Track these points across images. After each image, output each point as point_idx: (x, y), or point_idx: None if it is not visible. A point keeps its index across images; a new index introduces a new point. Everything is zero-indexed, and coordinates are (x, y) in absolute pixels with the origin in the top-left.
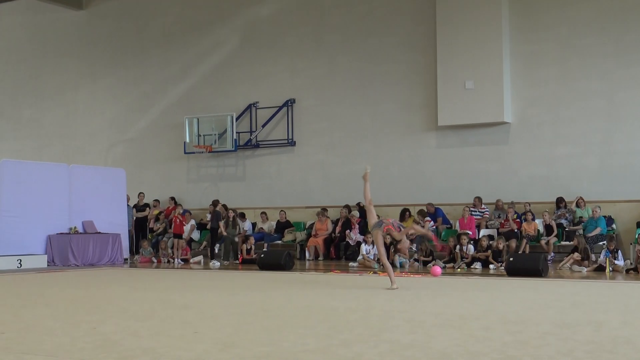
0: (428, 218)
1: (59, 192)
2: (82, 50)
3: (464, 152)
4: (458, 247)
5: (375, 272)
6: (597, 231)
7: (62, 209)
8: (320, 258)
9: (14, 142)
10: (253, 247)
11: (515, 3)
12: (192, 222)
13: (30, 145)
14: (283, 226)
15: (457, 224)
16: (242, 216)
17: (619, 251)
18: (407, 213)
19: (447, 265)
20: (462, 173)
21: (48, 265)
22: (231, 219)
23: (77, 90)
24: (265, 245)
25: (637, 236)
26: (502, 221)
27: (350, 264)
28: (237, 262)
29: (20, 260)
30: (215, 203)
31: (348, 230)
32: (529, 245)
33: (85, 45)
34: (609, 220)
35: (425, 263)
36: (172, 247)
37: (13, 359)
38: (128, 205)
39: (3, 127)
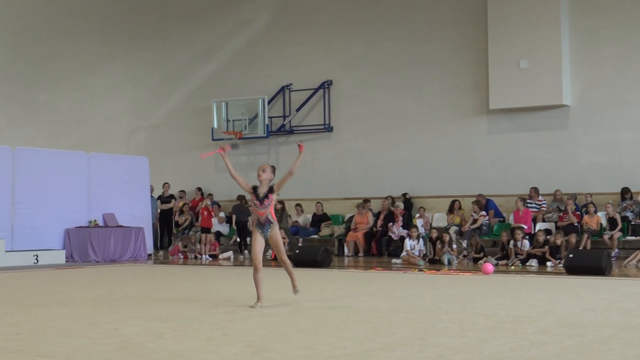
0: (483, 213)
1: (77, 182)
2: (99, 30)
3: (518, 138)
4: (512, 242)
5: (420, 270)
6: None
7: (81, 201)
8: (360, 254)
9: (28, 128)
10: (287, 242)
11: None
12: (222, 214)
13: (46, 132)
14: (320, 219)
15: (511, 217)
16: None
17: None
18: (457, 204)
19: (500, 262)
20: (516, 161)
21: (66, 261)
22: (279, 212)
23: (94, 73)
24: (300, 240)
25: None
26: (561, 214)
27: (393, 260)
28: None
29: (37, 256)
30: (240, 198)
31: (391, 224)
32: (590, 240)
33: (102, 24)
34: None
35: (475, 260)
36: (199, 242)
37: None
38: (152, 196)
39: (17, 113)
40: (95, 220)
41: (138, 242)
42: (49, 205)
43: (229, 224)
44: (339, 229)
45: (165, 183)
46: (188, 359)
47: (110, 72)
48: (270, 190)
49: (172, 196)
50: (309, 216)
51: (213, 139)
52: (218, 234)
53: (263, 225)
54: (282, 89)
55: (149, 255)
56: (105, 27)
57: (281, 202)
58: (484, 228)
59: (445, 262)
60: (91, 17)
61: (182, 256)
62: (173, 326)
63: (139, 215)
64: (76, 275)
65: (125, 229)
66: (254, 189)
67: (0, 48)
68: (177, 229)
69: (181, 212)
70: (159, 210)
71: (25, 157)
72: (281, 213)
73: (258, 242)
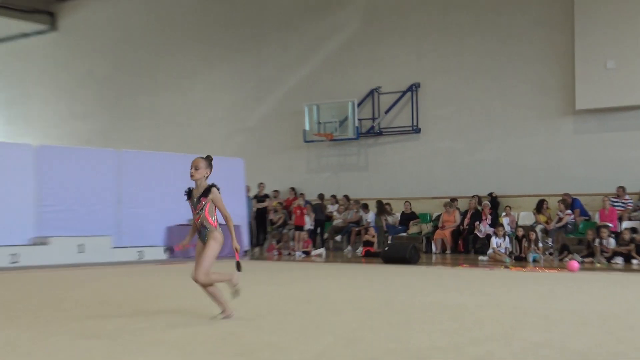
0: (569, 211)
1: (177, 182)
2: (197, 40)
3: (605, 138)
4: (598, 240)
5: (506, 267)
6: None
7: (181, 200)
8: (448, 251)
9: (132, 131)
10: (376, 239)
11: None
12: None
13: (148, 136)
14: (408, 218)
15: (597, 216)
16: (365, 207)
17: None
18: (544, 204)
19: (586, 259)
20: (603, 161)
21: (168, 257)
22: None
23: (193, 81)
24: (390, 237)
25: None
26: None
27: (480, 257)
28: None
29: (141, 252)
30: (320, 197)
31: (477, 222)
32: None
33: (200, 35)
34: None
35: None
36: (292, 239)
37: (130, 350)
38: (247, 196)
39: (121, 116)
40: None
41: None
42: (152, 204)
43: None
44: (426, 227)
45: (261, 183)
46: (283, 350)
47: (208, 79)
48: (206, 192)
49: (266, 195)
50: (398, 215)
51: (305, 141)
52: (310, 232)
53: (200, 232)
54: (372, 92)
55: (245, 251)
56: (202, 38)
57: (380, 200)
58: (570, 226)
59: (531, 259)
60: (189, 28)
61: (277, 253)
62: (268, 319)
63: (235, 213)
64: (177, 270)
65: (222, 227)
66: (188, 193)
67: (107, 59)
68: (272, 227)
69: (275, 210)
70: (254, 209)
71: (129, 159)
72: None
73: (198, 252)
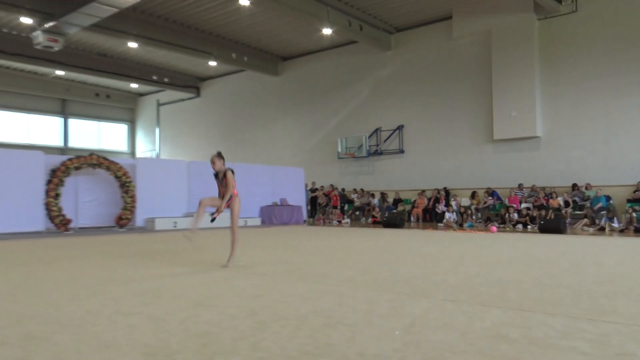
0: (490, 198)
1: (267, 182)
2: (278, 99)
3: (510, 155)
4: (507, 214)
5: (454, 230)
6: None
7: (268, 191)
8: (420, 221)
9: (240, 153)
10: (379, 213)
11: None
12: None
13: (250, 156)
14: (397, 201)
15: (507, 200)
16: (372, 195)
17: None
18: (476, 194)
19: (500, 226)
20: (509, 168)
21: (261, 224)
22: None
23: (275, 122)
24: (387, 212)
25: (626, 208)
26: None
27: (439, 225)
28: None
29: (246, 221)
30: (342, 189)
31: (437, 204)
32: None
33: (279, 96)
34: None
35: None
36: (331, 214)
37: (237, 277)
38: (306, 189)
39: (233, 146)
40: (276, 202)
41: (298, 213)
42: (253, 193)
43: (347, 204)
44: (408, 207)
45: (313, 181)
46: (327, 276)
47: (283, 122)
48: (225, 174)
49: (316, 189)
50: (392, 199)
51: (338, 158)
52: (342, 209)
53: (223, 197)
54: (376, 130)
55: (304, 221)
56: (281, 99)
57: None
58: (491, 206)
59: (467, 226)
60: (273, 93)
61: (322, 222)
62: (321, 258)
63: (298, 199)
64: (267, 231)
65: (291, 206)
66: (215, 175)
67: (226, 112)
68: (319, 207)
69: (321, 197)
70: (309, 197)
71: (240, 169)
72: (382, 197)
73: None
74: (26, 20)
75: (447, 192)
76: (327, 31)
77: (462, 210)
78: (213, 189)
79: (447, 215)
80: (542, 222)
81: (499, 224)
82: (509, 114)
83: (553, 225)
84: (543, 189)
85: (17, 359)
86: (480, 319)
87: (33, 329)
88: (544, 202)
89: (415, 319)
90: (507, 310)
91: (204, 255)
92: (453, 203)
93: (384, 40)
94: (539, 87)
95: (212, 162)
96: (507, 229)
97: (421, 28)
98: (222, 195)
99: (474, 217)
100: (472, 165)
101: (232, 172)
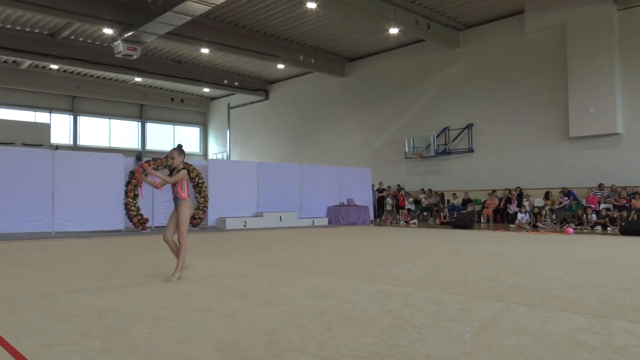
0: (566, 198)
1: (334, 182)
2: (344, 100)
3: (586, 155)
4: (585, 215)
5: (527, 231)
6: None
7: (335, 191)
8: (490, 222)
9: (307, 154)
10: (447, 214)
11: None
12: (410, 199)
13: (316, 156)
14: (466, 202)
15: (584, 201)
16: (441, 195)
17: None
18: (550, 194)
19: (577, 227)
20: (585, 168)
21: (328, 224)
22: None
23: (342, 123)
24: (455, 213)
25: None
26: None
27: (510, 225)
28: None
29: (313, 221)
30: (399, 188)
31: (509, 204)
32: None
33: (345, 97)
34: None
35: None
36: (398, 214)
37: (304, 276)
38: (373, 189)
39: (301, 147)
40: (342, 202)
41: (365, 214)
42: (320, 193)
43: (414, 204)
44: (477, 207)
45: (380, 182)
46: (394, 278)
47: (350, 122)
48: (178, 171)
49: (383, 189)
50: (460, 199)
51: (405, 158)
52: (409, 210)
53: (174, 200)
54: (444, 129)
55: (371, 221)
56: (347, 99)
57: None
58: (567, 207)
59: (542, 227)
60: (340, 94)
61: (389, 223)
62: (384, 259)
63: (365, 199)
64: (333, 231)
65: (359, 207)
66: (171, 172)
67: (294, 113)
68: (386, 207)
69: (388, 197)
70: (376, 197)
71: (307, 170)
72: (440, 197)
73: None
74: (108, 30)
75: (520, 192)
76: (393, 31)
77: (536, 210)
78: (280, 189)
79: (519, 216)
80: (623, 224)
81: (575, 225)
82: (587, 110)
83: (636, 227)
84: (624, 188)
85: (98, 349)
86: (556, 324)
87: (112, 322)
88: (626, 203)
89: (486, 323)
90: (585, 316)
91: (270, 255)
92: (526, 203)
93: (452, 37)
94: (620, 81)
95: (172, 157)
96: (585, 230)
97: (491, 24)
98: (175, 207)
99: (547, 218)
100: (546, 163)
101: (188, 172)
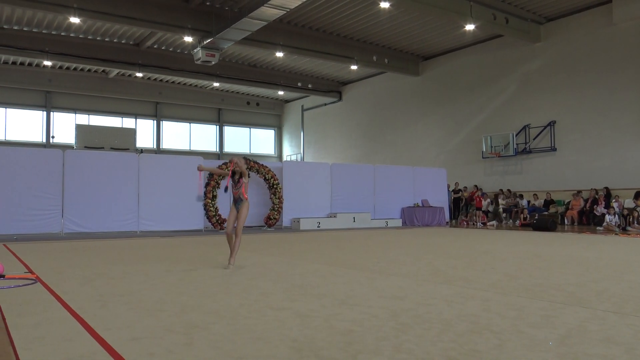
0: None
1: (408, 183)
2: (418, 99)
3: None
4: None
5: (616, 234)
6: None
7: (409, 192)
8: (575, 224)
9: (382, 154)
10: (528, 216)
11: None
12: (488, 200)
13: (390, 157)
14: (548, 203)
15: None
16: (521, 197)
17: None
18: None
19: None
20: None
21: (402, 225)
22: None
23: (416, 123)
24: (536, 214)
25: None
26: None
27: (597, 228)
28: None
29: (387, 222)
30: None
31: (595, 205)
32: None
33: (420, 96)
34: None
35: None
36: (474, 215)
37: (379, 277)
38: (448, 190)
39: (375, 147)
40: (417, 203)
41: (440, 215)
42: (394, 194)
43: (492, 205)
44: (561, 209)
45: (456, 182)
46: (471, 281)
47: (424, 122)
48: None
49: (459, 190)
50: (542, 200)
51: (482, 157)
52: (486, 212)
53: (236, 201)
54: (524, 127)
55: (447, 222)
56: (421, 98)
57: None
58: None
59: (633, 230)
60: (414, 93)
61: (465, 224)
62: (461, 262)
63: (440, 200)
64: (408, 232)
65: (433, 208)
66: (232, 174)
67: (366, 115)
68: (462, 208)
69: (463, 199)
70: (452, 198)
71: (381, 170)
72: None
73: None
74: (188, 38)
75: (608, 192)
76: (469, 27)
77: (626, 212)
78: (354, 190)
79: (607, 217)
80: None
81: None
82: None
83: None
84: None
85: (182, 344)
86: None
87: (195, 318)
88: None
89: (572, 330)
90: None
91: (345, 255)
92: (615, 204)
93: (532, 31)
94: None
95: (237, 164)
96: None
97: (574, 16)
98: (236, 206)
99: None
100: (637, 162)
101: (249, 176)
